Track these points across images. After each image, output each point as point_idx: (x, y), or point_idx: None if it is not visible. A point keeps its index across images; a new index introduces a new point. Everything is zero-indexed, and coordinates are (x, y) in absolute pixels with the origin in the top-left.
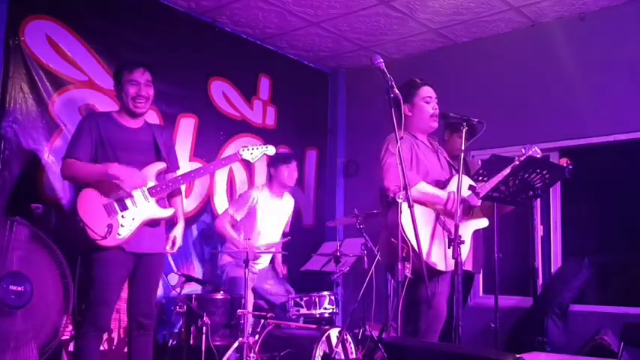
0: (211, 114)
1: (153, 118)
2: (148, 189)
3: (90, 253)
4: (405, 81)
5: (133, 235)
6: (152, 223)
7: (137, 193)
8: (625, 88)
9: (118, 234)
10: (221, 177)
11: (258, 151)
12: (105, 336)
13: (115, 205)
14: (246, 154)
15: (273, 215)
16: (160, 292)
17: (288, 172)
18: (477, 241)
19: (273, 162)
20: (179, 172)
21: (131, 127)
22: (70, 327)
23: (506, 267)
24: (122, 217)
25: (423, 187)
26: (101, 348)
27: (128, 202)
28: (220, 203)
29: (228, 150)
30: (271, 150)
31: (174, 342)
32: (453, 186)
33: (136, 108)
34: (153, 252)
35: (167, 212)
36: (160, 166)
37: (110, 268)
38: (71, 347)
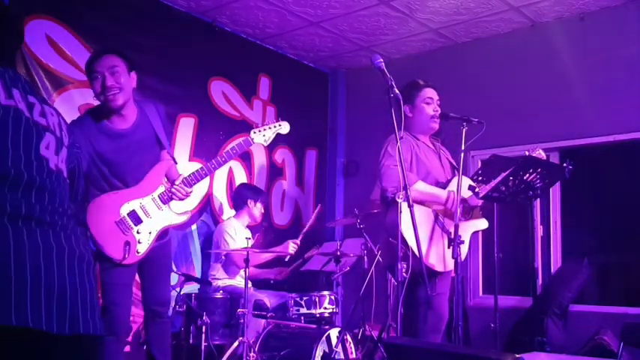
0: (211, 114)
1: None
2: (159, 196)
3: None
4: (407, 82)
5: (152, 246)
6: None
7: (149, 203)
8: (625, 88)
9: (137, 251)
10: (221, 177)
11: (270, 132)
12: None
13: (128, 220)
14: (259, 138)
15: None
16: None
17: (261, 210)
18: None
19: (252, 195)
20: (183, 169)
21: (123, 128)
22: None
23: (506, 267)
24: (138, 232)
25: (422, 187)
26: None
27: (141, 214)
28: (220, 203)
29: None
30: (285, 127)
31: (174, 341)
32: (453, 187)
33: (109, 102)
34: (158, 243)
35: (182, 218)
36: (166, 165)
37: (122, 275)
38: None
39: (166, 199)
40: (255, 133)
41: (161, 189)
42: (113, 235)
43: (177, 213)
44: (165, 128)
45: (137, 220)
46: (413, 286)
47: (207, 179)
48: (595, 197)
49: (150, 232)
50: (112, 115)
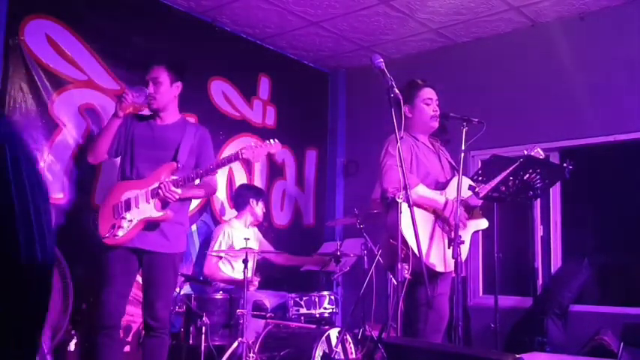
0: (211, 113)
1: None
2: (151, 190)
3: (101, 254)
4: (406, 82)
5: (133, 235)
6: (154, 223)
7: (141, 195)
8: (625, 88)
9: (116, 235)
10: (221, 177)
11: (261, 150)
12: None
13: (122, 205)
14: (247, 153)
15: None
16: None
17: (263, 209)
18: None
19: (254, 195)
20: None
21: (159, 124)
22: (70, 327)
23: (506, 267)
24: (123, 217)
25: (421, 191)
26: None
27: (132, 202)
28: (220, 203)
29: (228, 150)
30: (276, 147)
31: (174, 342)
32: (452, 187)
33: (149, 107)
34: (159, 250)
35: (159, 214)
36: (171, 167)
37: (111, 264)
38: (71, 347)
39: (154, 194)
40: (245, 149)
41: (156, 185)
42: (108, 216)
43: (158, 209)
44: (198, 148)
45: (127, 208)
46: (413, 286)
47: None
48: (595, 197)
49: (130, 221)
50: (154, 113)
